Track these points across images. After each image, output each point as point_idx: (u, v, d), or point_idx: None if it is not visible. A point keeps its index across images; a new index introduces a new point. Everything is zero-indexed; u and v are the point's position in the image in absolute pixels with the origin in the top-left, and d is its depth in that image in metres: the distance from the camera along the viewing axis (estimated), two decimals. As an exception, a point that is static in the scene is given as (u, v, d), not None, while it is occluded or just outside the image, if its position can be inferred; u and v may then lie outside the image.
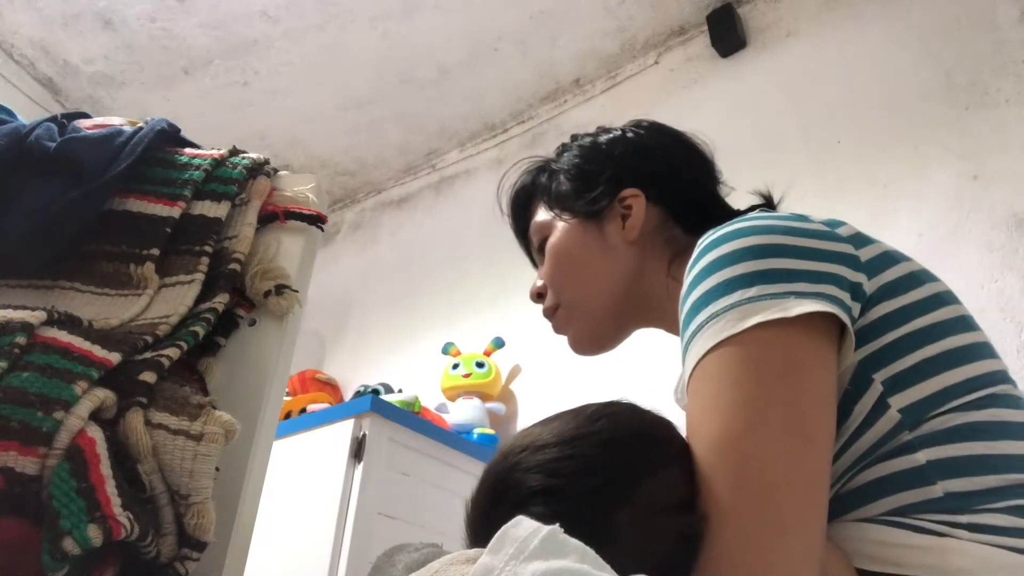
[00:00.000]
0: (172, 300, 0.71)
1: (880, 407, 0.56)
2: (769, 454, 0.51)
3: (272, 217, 0.81)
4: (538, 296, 0.89)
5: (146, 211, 0.76)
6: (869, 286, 0.59)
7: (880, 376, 0.56)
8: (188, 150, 0.83)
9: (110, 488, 0.51)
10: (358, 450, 1.67)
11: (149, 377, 0.59)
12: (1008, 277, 1.50)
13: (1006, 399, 0.58)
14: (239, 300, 0.75)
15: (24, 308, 0.59)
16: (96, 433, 0.53)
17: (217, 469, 0.57)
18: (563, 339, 0.89)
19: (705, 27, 2.26)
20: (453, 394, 2.12)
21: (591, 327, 0.86)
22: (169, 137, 0.84)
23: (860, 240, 0.62)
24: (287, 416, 1.95)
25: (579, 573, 0.40)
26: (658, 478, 0.53)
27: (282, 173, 0.86)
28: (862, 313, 0.58)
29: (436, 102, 2.63)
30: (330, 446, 1.70)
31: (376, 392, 1.99)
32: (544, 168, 0.92)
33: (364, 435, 1.69)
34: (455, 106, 2.65)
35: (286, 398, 2.08)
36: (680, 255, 0.79)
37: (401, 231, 2.85)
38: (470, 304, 2.41)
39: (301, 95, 2.59)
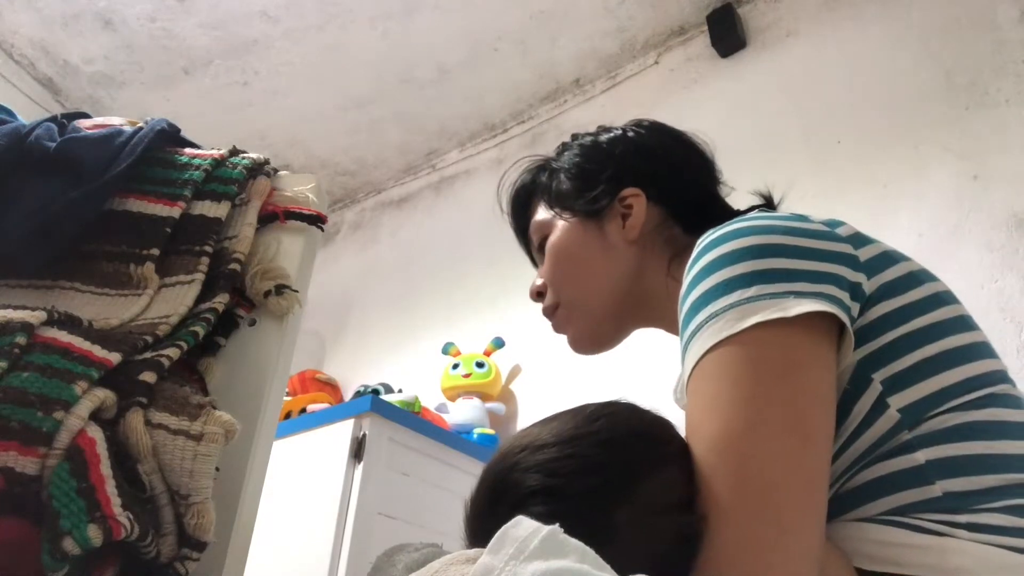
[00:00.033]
0: (172, 300, 0.71)
1: (879, 407, 0.56)
2: (768, 454, 0.51)
3: (272, 217, 0.81)
4: (538, 295, 0.89)
5: (146, 211, 0.76)
6: (868, 286, 0.59)
7: (879, 376, 0.56)
8: (188, 150, 0.83)
9: (110, 488, 0.51)
10: (358, 450, 1.67)
11: (149, 377, 0.59)
12: (1008, 277, 1.50)
13: (1005, 399, 0.58)
14: (239, 300, 0.75)
15: (24, 308, 0.59)
16: (96, 433, 0.53)
17: (217, 469, 0.57)
18: (563, 339, 0.89)
19: (705, 27, 2.26)
20: (453, 394, 2.12)
21: (591, 326, 0.86)
22: (169, 137, 0.84)
23: (859, 240, 0.62)
24: (287, 416, 1.95)
25: (579, 573, 0.40)
26: (657, 478, 0.53)
27: (282, 173, 0.86)
28: (861, 313, 0.58)
29: (436, 102, 2.63)
30: (330, 446, 1.70)
31: (376, 392, 1.99)
32: (544, 167, 0.92)
33: (364, 435, 1.69)
34: (455, 106, 2.65)
35: (286, 398, 2.08)
36: (680, 255, 0.79)
37: (401, 231, 2.85)
38: (470, 304, 2.41)
39: (301, 95, 2.60)
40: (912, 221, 1.66)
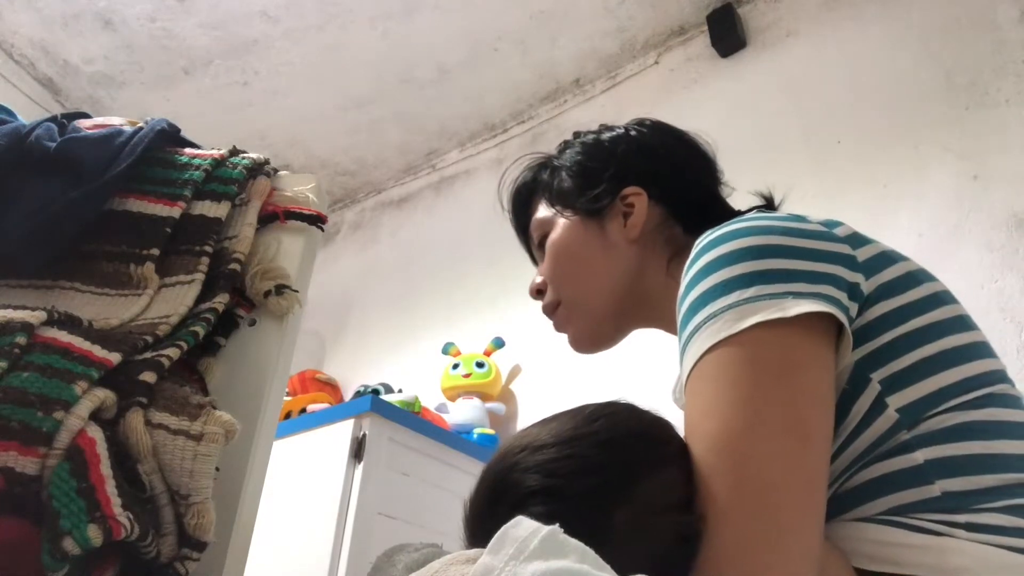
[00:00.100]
0: (172, 300, 0.71)
1: (878, 407, 0.56)
2: (767, 454, 0.51)
3: (272, 217, 0.81)
4: (538, 292, 0.89)
5: (146, 211, 0.76)
6: (867, 286, 0.59)
7: (878, 376, 0.56)
8: (188, 150, 0.83)
9: (110, 488, 0.51)
10: (358, 450, 1.67)
11: (149, 377, 0.59)
12: (1008, 277, 1.50)
13: (1004, 399, 0.58)
14: (239, 300, 0.75)
15: (24, 308, 0.59)
16: (96, 433, 0.53)
17: (217, 469, 0.57)
18: (563, 339, 0.89)
19: (705, 27, 2.26)
20: (453, 394, 2.12)
21: (590, 326, 0.86)
22: (169, 137, 0.84)
23: (857, 240, 0.62)
24: (287, 416, 1.95)
25: (579, 573, 0.40)
26: (656, 478, 0.53)
27: (282, 173, 0.86)
28: (860, 313, 0.58)
29: (436, 102, 2.63)
30: (330, 446, 1.70)
31: (376, 392, 1.99)
32: (546, 165, 0.92)
33: (364, 435, 1.69)
34: (455, 106, 2.65)
35: (286, 398, 2.08)
36: (679, 254, 0.78)
37: (401, 231, 2.85)
38: (470, 304, 2.41)
39: (301, 95, 2.60)
40: (912, 221, 1.66)
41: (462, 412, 2.05)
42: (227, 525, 0.64)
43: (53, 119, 0.82)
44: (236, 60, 2.47)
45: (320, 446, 1.73)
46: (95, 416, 0.54)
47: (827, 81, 1.97)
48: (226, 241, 0.77)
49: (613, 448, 0.54)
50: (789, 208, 0.81)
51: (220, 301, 0.72)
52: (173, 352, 0.64)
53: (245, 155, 0.83)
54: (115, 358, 0.59)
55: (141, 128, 0.81)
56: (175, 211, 0.76)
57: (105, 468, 0.52)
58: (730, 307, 0.56)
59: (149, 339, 0.64)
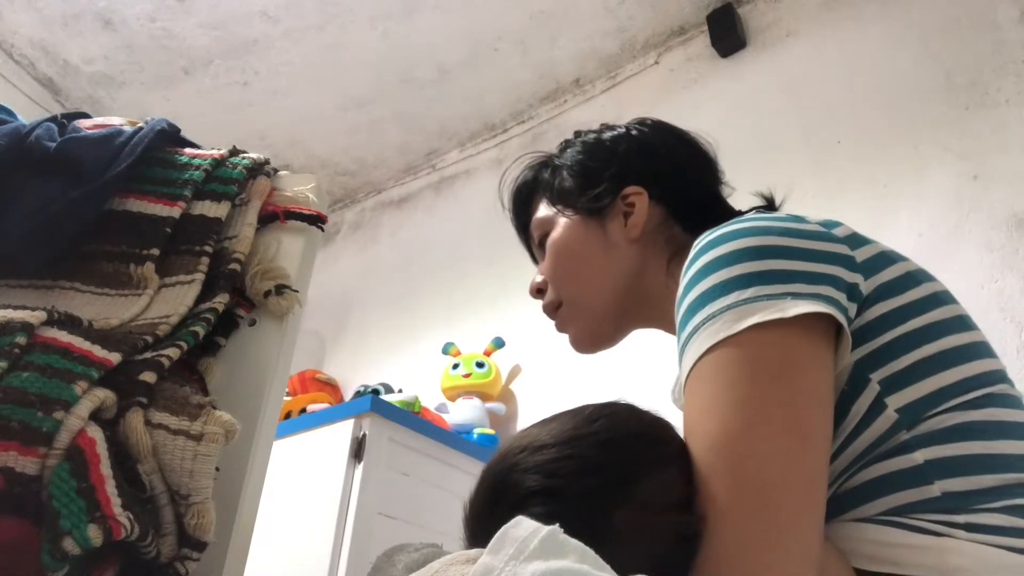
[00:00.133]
0: (172, 300, 0.71)
1: (877, 407, 0.56)
2: (766, 454, 0.51)
3: (272, 217, 0.81)
4: (538, 291, 0.89)
5: (146, 211, 0.76)
6: (865, 286, 0.59)
7: (877, 376, 0.56)
8: (188, 150, 0.83)
9: (110, 488, 0.51)
10: (358, 450, 1.68)
11: (149, 377, 0.59)
12: (1008, 277, 1.51)
13: (1003, 399, 0.58)
14: (239, 300, 0.75)
15: (24, 308, 0.59)
16: (96, 433, 0.53)
17: (217, 469, 0.57)
18: (563, 339, 0.89)
19: (705, 27, 2.26)
20: (453, 394, 2.12)
21: (591, 325, 0.86)
22: (169, 137, 0.84)
23: (856, 240, 0.62)
24: (287, 416, 1.95)
25: (579, 573, 0.40)
26: (656, 478, 0.53)
27: (282, 173, 0.86)
28: (859, 313, 0.58)
29: (436, 102, 2.63)
30: (330, 446, 1.70)
31: (376, 392, 1.99)
32: (547, 164, 0.92)
33: (364, 435, 1.69)
34: (455, 106, 2.65)
35: (286, 398, 2.08)
36: (679, 254, 0.78)
37: (401, 231, 2.85)
38: (470, 304, 2.41)
39: (301, 95, 2.60)
40: (912, 221, 1.66)
41: (462, 412, 2.05)
42: (227, 525, 0.64)
43: (53, 119, 0.82)
44: (236, 60, 2.47)
45: (320, 446, 1.73)
46: (95, 416, 0.54)
47: (827, 81, 1.97)
48: (226, 241, 0.77)
49: (613, 448, 0.54)
50: (789, 208, 0.81)
51: (220, 301, 0.72)
52: (173, 352, 0.64)
53: (245, 155, 0.83)
54: (115, 358, 0.59)
55: (141, 128, 0.81)
56: (175, 211, 0.76)
57: (105, 468, 0.52)
58: (729, 308, 0.56)
59: (149, 339, 0.64)
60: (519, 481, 0.53)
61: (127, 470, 0.54)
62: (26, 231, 0.72)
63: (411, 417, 1.83)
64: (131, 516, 0.51)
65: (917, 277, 0.62)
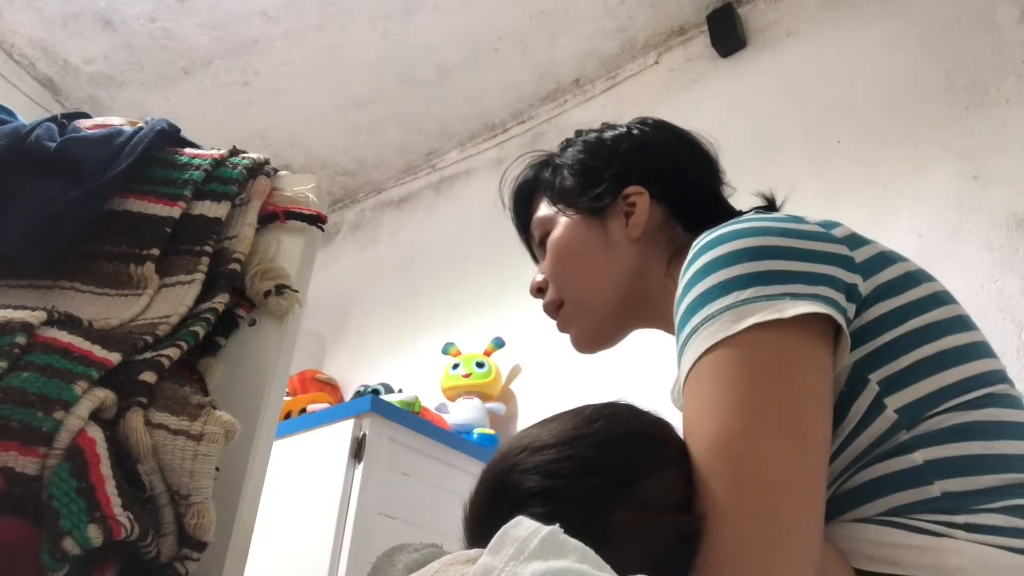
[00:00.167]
0: (172, 300, 0.71)
1: (876, 407, 0.56)
2: (766, 454, 0.51)
3: (272, 217, 0.81)
4: (538, 291, 0.89)
5: (146, 211, 0.76)
6: (864, 287, 0.59)
7: (876, 376, 0.56)
8: (188, 150, 0.83)
9: (110, 488, 0.51)
10: (358, 450, 1.67)
11: (149, 377, 0.59)
12: (1008, 277, 1.51)
13: (1003, 399, 0.58)
14: (239, 300, 0.75)
15: (24, 308, 0.59)
16: (96, 433, 0.53)
17: (217, 469, 0.57)
18: (563, 339, 0.89)
19: (705, 27, 2.26)
20: (453, 394, 2.12)
21: (592, 325, 0.86)
22: (169, 137, 0.84)
23: (855, 241, 0.62)
24: (287, 416, 1.95)
25: (579, 573, 0.40)
26: (656, 478, 0.53)
27: (282, 173, 0.86)
28: (857, 314, 0.58)
29: (436, 102, 2.63)
30: (330, 446, 1.70)
31: (376, 392, 1.99)
32: (548, 163, 0.91)
33: (364, 435, 1.69)
34: (455, 106, 2.65)
35: (286, 398, 2.08)
36: (679, 254, 0.78)
37: (401, 231, 2.85)
38: (470, 304, 2.41)
39: (301, 95, 2.59)
40: (912, 221, 1.66)
41: (462, 412, 2.05)
42: (227, 525, 0.64)
43: (53, 119, 0.82)
44: (236, 60, 2.47)
45: (320, 446, 1.73)
46: (95, 416, 0.54)
47: (827, 81, 1.97)
48: (226, 241, 0.77)
49: (613, 449, 0.54)
50: (789, 208, 0.81)
51: (220, 301, 0.72)
52: (173, 352, 0.64)
53: (245, 155, 0.83)
54: (115, 358, 0.59)
55: (141, 128, 0.81)
56: (175, 211, 0.76)
57: (105, 468, 0.52)
58: (727, 308, 0.56)
59: (149, 339, 0.64)
60: (519, 481, 0.53)
61: (127, 470, 0.54)
62: (26, 231, 0.72)
63: (411, 417, 1.83)
64: (131, 516, 0.51)
65: (916, 277, 0.62)
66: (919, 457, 0.54)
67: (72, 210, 0.73)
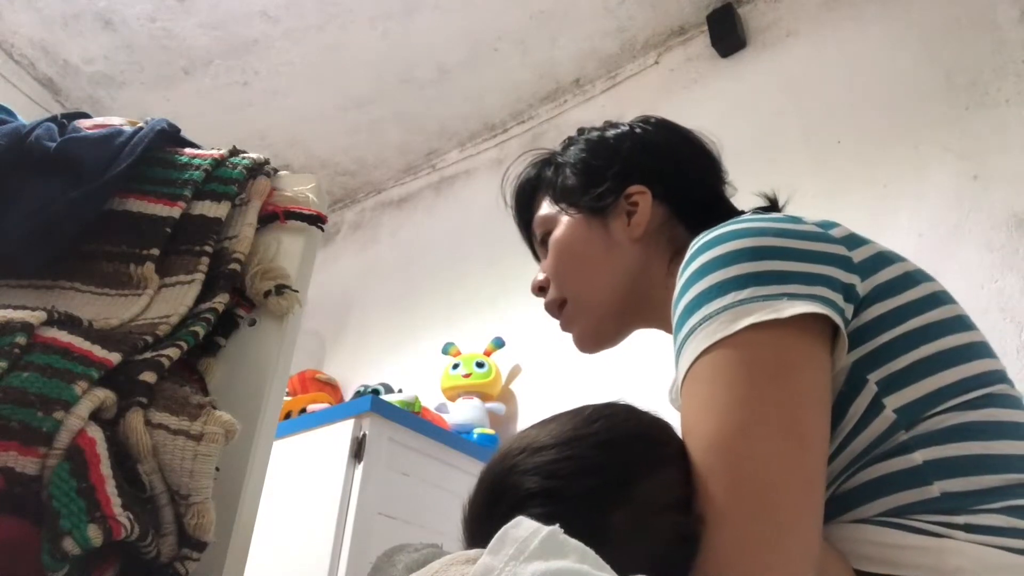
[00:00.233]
0: (172, 300, 0.71)
1: (875, 408, 0.56)
2: (764, 454, 0.51)
3: (272, 217, 0.81)
4: (540, 289, 0.89)
5: (146, 211, 0.76)
6: (862, 287, 0.59)
7: (875, 376, 0.56)
8: (188, 150, 0.83)
9: (110, 488, 0.51)
10: (358, 450, 1.67)
11: (149, 377, 0.59)
12: (1008, 277, 1.50)
13: (1003, 399, 0.58)
14: (239, 300, 0.75)
15: (24, 308, 0.59)
16: (96, 433, 0.53)
17: (217, 469, 0.57)
18: (562, 339, 0.89)
19: (705, 27, 2.26)
20: (453, 394, 2.12)
21: (593, 325, 0.85)
22: (169, 137, 0.84)
23: (853, 241, 0.62)
24: (287, 416, 1.95)
25: (579, 573, 0.40)
26: (655, 479, 0.53)
27: (282, 173, 0.86)
28: (856, 314, 0.58)
29: (436, 102, 2.63)
30: (330, 446, 1.70)
31: (376, 392, 1.99)
32: (550, 161, 0.91)
33: (364, 435, 1.69)
34: (455, 106, 2.65)
35: (286, 398, 2.08)
36: (679, 254, 0.78)
37: (401, 231, 2.85)
38: (470, 304, 2.41)
39: (301, 95, 2.60)
40: (912, 221, 1.66)
41: (462, 412, 2.05)
42: (227, 525, 0.64)
43: (53, 119, 0.82)
44: (236, 60, 2.47)
45: (320, 446, 1.73)
46: (95, 416, 0.54)
47: (827, 81, 1.97)
48: (226, 241, 0.77)
49: (612, 449, 0.54)
50: (790, 208, 0.81)
51: (220, 301, 0.72)
52: (173, 352, 0.64)
53: (245, 155, 0.83)
54: (115, 358, 0.59)
55: (141, 128, 0.81)
56: (175, 211, 0.76)
57: (105, 468, 0.52)
58: (725, 309, 0.56)
59: (149, 339, 0.64)
60: (518, 482, 0.53)
61: (127, 470, 0.54)
62: (26, 231, 0.72)
63: (411, 417, 1.83)
64: (131, 516, 0.51)
65: (915, 277, 0.62)
66: (918, 457, 0.54)
67: (72, 210, 0.73)
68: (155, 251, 0.74)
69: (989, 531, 0.52)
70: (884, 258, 0.62)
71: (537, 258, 0.94)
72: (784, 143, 1.95)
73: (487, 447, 1.94)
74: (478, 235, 2.48)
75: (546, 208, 0.89)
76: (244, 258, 0.76)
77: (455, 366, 2.16)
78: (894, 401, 0.56)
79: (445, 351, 2.24)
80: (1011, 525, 0.52)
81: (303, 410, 1.98)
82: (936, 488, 0.53)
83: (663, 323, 0.83)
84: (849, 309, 0.57)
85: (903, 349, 0.57)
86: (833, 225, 0.64)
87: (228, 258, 0.75)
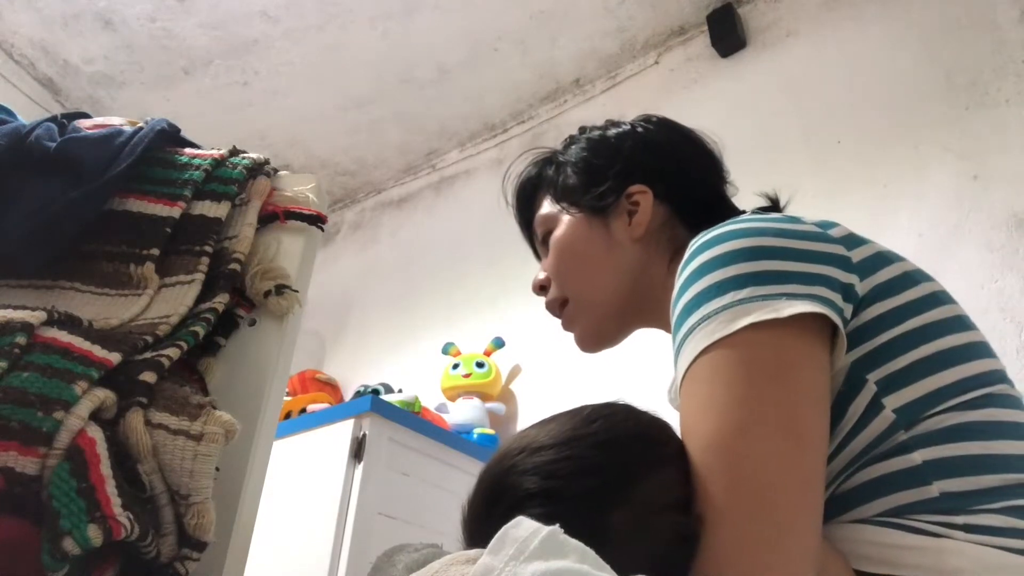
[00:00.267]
0: (172, 300, 0.71)
1: (874, 407, 0.56)
2: (763, 454, 0.51)
3: (272, 217, 0.81)
4: (540, 289, 0.89)
5: (146, 211, 0.76)
6: (861, 287, 0.59)
7: (874, 376, 0.56)
8: (188, 150, 0.83)
9: (110, 488, 0.51)
10: (358, 450, 1.67)
11: (149, 377, 0.59)
12: (1008, 277, 1.50)
13: (1002, 399, 0.58)
14: (239, 300, 0.76)
15: (24, 308, 0.59)
16: (96, 433, 0.53)
17: (217, 469, 0.57)
18: (562, 339, 0.89)
19: (705, 27, 2.26)
20: (453, 394, 2.12)
21: (594, 324, 0.85)
22: (169, 137, 0.84)
23: (852, 241, 0.62)
24: (287, 416, 1.95)
25: (579, 573, 0.40)
26: (654, 479, 0.53)
27: (282, 173, 0.86)
28: (855, 314, 0.58)
29: (436, 102, 2.63)
30: (330, 446, 1.70)
31: (376, 392, 1.99)
32: (551, 160, 0.91)
33: (364, 435, 1.69)
34: (455, 106, 2.65)
35: (286, 398, 2.08)
36: (679, 254, 0.78)
37: (401, 231, 2.85)
38: (470, 304, 2.41)
39: (301, 95, 2.60)
40: (912, 221, 1.66)
41: (462, 412, 2.05)
42: (227, 525, 0.64)
43: (53, 119, 0.82)
44: (236, 60, 2.47)
45: (320, 446, 1.73)
46: (95, 416, 0.54)
47: (827, 81, 1.97)
48: (226, 241, 0.77)
49: (611, 449, 0.54)
50: (790, 209, 0.81)
51: (220, 301, 0.72)
52: (173, 352, 0.64)
53: (245, 155, 0.83)
54: (115, 358, 0.59)
55: (141, 128, 0.81)
56: (175, 211, 0.76)
57: (105, 468, 0.52)
58: (724, 308, 0.56)
59: (149, 339, 0.64)
60: (517, 483, 0.52)
61: (127, 470, 0.54)
62: (26, 231, 0.72)
63: (411, 417, 1.83)
64: (131, 516, 0.51)
65: (915, 277, 0.62)
66: (918, 457, 0.54)
67: (72, 210, 0.73)
68: (155, 251, 0.74)
69: (988, 531, 0.52)
70: (883, 258, 0.62)
71: (538, 257, 0.94)
72: (784, 143, 1.95)
73: (487, 447, 1.94)
74: (478, 235, 2.48)
75: (547, 207, 0.89)
76: (244, 258, 0.76)
77: (455, 366, 2.16)
78: (893, 401, 0.56)
79: (445, 351, 2.24)
80: (1010, 525, 0.52)
81: (303, 410, 1.98)
82: (935, 488, 0.53)
83: (664, 323, 0.82)
84: (848, 309, 0.57)
85: (902, 349, 0.57)
86: (832, 225, 0.64)
87: (228, 258, 0.75)
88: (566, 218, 0.86)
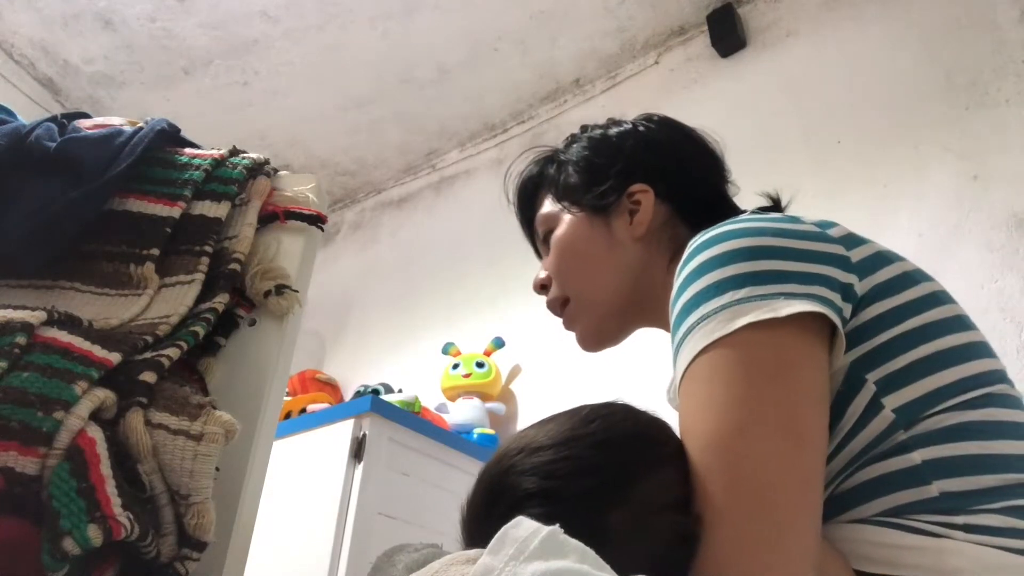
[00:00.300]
0: (172, 300, 0.71)
1: (873, 407, 0.56)
2: (762, 454, 0.51)
3: (272, 217, 0.81)
4: (541, 288, 0.89)
5: (146, 211, 0.76)
6: (860, 287, 0.59)
7: (873, 376, 0.56)
8: (188, 150, 0.83)
9: (110, 488, 0.51)
10: (358, 450, 1.67)
11: (149, 377, 0.59)
12: (1008, 277, 1.50)
13: (1002, 399, 0.58)
14: (239, 300, 0.76)
15: (24, 308, 0.59)
16: (96, 433, 0.53)
17: (217, 469, 0.57)
18: (562, 339, 0.89)
19: (705, 27, 2.26)
20: (453, 394, 2.12)
21: (595, 323, 0.85)
22: (169, 137, 0.84)
23: (852, 241, 0.62)
24: (287, 416, 1.95)
25: (579, 573, 0.40)
26: (653, 478, 0.53)
27: (282, 173, 0.86)
28: (854, 314, 0.58)
29: (436, 102, 2.63)
30: (330, 446, 1.70)
31: (376, 392, 1.99)
32: (552, 159, 0.91)
33: (364, 435, 1.69)
34: (455, 106, 2.65)
35: (286, 398, 2.08)
36: (679, 253, 0.78)
37: (401, 231, 2.85)
38: (470, 304, 2.41)
39: (301, 95, 2.60)
40: (912, 221, 1.66)
41: (462, 412, 2.05)
42: (227, 525, 0.64)
43: (53, 119, 0.82)
44: (236, 60, 2.47)
45: (320, 446, 1.73)
46: (95, 416, 0.54)
47: (827, 81, 1.97)
48: (226, 241, 0.77)
49: (610, 449, 0.54)
50: (790, 208, 0.81)
51: (220, 301, 0.72)
52: (173, 352, 0.64)
53: (245, 155, 0.83)
54: (115, 358, 0.59)
55: (141, 128, 0.81)
56: (175, 211, 0.76)
57: (105, 468, 0.52)
58: (723, 308, 0.56)
59: (149, 339, 0.64)
60: (516, 483, 0.52)
61: (127, 470, 0.54)
62: (26, 231, 0.72)
63: (411, 417, 1.83)
64: (131, 516, 0.51)
65: (914, 277, 0.62)
66: (917, 457, 0.54)
67: (72, 210, 0.73)
68: (155, 251, 0.74)
69: (988, 531, 0.52)
70: (883, 258, 0.62)
71: (539, 256, 0.94)
72: (784, 143, 1.95)
73: (487, 447, 1.94)
74: (478, 235, 2.48)
75: (548, 206, 0.89)
76: (244, 258, 0.76)
77: (455, 366, 2.16)
78: (893, 401, 0.56)
79: (445, 351, 2.24)
80: (1010, 525, 0.52)
81: (303, 410, 1.98)
82: (935, 488, 0.53)
83: (664, 322, 0.82)
84: (847, 308, 0.57)
85: (902, 349, 0.57)
86: (832, 225, 0.64)
87: (228, 258, 0.75)
88: (567, 217, 0.86)
